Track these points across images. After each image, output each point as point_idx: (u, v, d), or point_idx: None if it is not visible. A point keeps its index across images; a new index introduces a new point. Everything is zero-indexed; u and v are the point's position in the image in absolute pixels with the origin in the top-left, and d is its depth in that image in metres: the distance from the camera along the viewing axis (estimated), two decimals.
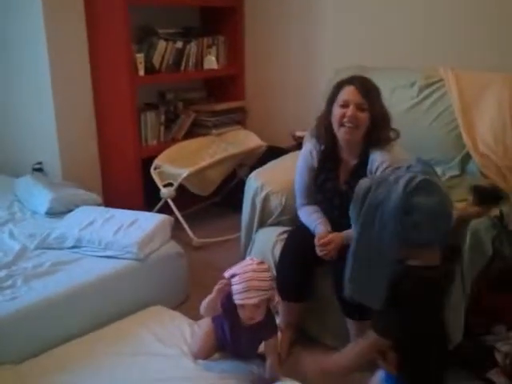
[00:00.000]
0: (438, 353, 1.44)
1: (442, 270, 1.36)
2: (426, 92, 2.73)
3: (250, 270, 1.77)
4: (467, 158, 2.60)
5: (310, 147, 2.32)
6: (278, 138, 3.71)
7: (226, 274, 1.82)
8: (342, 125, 2.14)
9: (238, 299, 1.78)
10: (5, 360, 1.88)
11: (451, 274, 1.47)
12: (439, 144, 2.66)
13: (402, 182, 1.25)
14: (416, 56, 3.05)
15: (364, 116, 2.11)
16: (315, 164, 2.30)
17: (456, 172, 2.60)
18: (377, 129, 2.14)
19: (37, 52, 3.14)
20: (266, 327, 1.86)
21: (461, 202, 2.29)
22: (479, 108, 2.58)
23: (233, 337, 1.89)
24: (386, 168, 2.07)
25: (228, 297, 1.82)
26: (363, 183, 1.34)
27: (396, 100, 2.78)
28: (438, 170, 2.60)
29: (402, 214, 1.25)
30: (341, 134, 2.17)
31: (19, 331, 1.95)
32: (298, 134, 3.37)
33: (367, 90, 2.13)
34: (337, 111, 2.15)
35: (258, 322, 1.81)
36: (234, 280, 1.78)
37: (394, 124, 2.61)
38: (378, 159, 2.12)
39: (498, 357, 2.13)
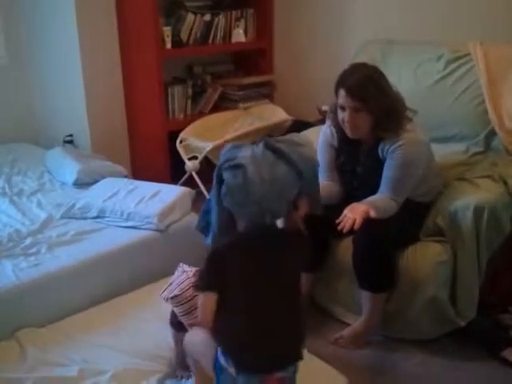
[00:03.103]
0: None
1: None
2: (453, 66, 2.66)
3: (189, 285, 1.62)
4: (492, 134, 2.53)
5: (329, 127, 2.31)
6: (306, 112, 3.69)
7: (164, 298, 1.66)
8: (344, 126, 2.14)
9: (185, 321, 1.65)
10: (28, 324, 1.98)
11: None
12: (464, 119, 2.60)
13: (222, 158, 1.41)
14: (444, 30, 2.97)
15: (362, 116, 2.07)
16: (335, 143, 2.29)
17: (480, 148, 2.55)
18: (383, 121, 2.08)
19: (66, 26, 3.20)
20: None
21: (484, 179, 2.28)
22: (506, 83, 2.51)
23: None
24: (397, 146, 2.06)
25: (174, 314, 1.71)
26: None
27: (422, 74, 2.74)
28: (462, 145, 2.57)
29: (218, 184, 1.43)
30: (346, 132, 2.17)
31: (42, 296, 2.04)
32: (324, 107, 3.34)
33: (361, 90, 2.04)
34: (338, 112, 2.14)
35: None
36: (174, 301, 1.65)
37: (419, 98, 2.59)
38: (387, 146, 2.10)
39: None
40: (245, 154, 1.38)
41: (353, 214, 1.93)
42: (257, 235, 1.42)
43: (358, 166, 2.25)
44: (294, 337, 1.47)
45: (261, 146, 1.40)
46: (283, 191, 1.36)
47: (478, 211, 2.06)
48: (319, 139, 2.35)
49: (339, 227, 1.93)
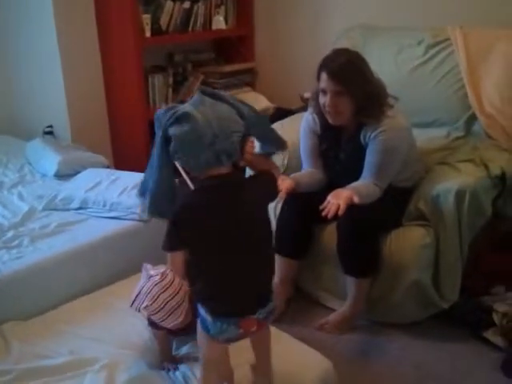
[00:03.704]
0: None
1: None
2: (433, 51, 2.67)
3: (158, 292, 1.50)
4: (473, 118, 2.55)
5: (311, 115, 2.30)
6: (288, 100, 3.68)
7: (135, 309, 1.54)
8: (326, 111, 2.14)
9: (166, 325, 1.58)
10: (11, 317, 1.95)
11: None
12: (445, 104, 2.62)
13: (164, 120, 1.35)
14: (425, 15, 2.97)
15: (344, 100, 2.06)
16: (318, 129, 2.29)
17: (461, 133, 2.57)
18: (365, 107, 2.08)
19: (42, 15, 3.14)
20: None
21: (465, 163, 2.30)
22: (486, 67, 2.52)
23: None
24: (378, 133, 2.07)
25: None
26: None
27: (402, 59, 2.75)
28: (443, 130, 2.60)
29: (165, 144, 1.36)
30: (328, 118, 2.16)
31: (25, 289, 2.02)
32: (306, 95, 3.33)
33: (343, 74, 2.04)
34: (320, 97, 2.13)
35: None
36: (147, 311, 1.55)
37: (400, 84, 2.60)
38: (369, 132, 2.11)
39: (495, 317, 2.16)
40: (184, 105, 1.36)
41: (336, 200, 1.93)
42: (216, 186, 1.38)
43: (340, 152, 2.25)
44: (267, 278, 1.49)
45: (198, 93, 1.38)
46: (230, 127, 1.33)
47: (460, 195, 2.09)
48: (301, 126, 2.35)
49: (323, 213, 1.93)
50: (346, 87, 2.04)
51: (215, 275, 1.41)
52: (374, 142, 2.09)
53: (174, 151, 1.35)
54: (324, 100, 2.10)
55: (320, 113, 2.20)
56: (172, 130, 1.33)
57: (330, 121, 2.16)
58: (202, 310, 1.44)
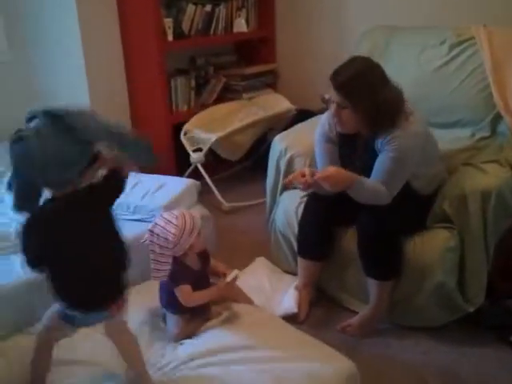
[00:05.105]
0: None
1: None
2: (457, 50, 2.63)
3: (174, 230, 1.80)
4: (498, 118, 2.50)
5: (327, 119, 2.24)
6: (309, 101, 3.67)
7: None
8: (332, 119, 2.13)
9: (187, 244, 1.83)
10: (36, 319, 1.98)
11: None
12: (469, 104, 2.58)
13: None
14: (447, 14, 2.94)
15: (347, 112, 2.02)
16: (334, 137, 2.24)
17: (486, 133, 2.52)
18: (374, 118, 2.02)
19: (67, 21, 3.18)
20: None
21: (491, 163, 2.26)
22: (511, 66, 2.48)
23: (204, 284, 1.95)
24: (391, 139, 2.02)
25: (174, 261, 1.86)
26: None
27: (425, 59, 2.71)
28: (468, 130, 2.56)
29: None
30: (337, 128, 2.14)
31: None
32: (327, 96, 3.31)
33: (348, 88, 1.99)
34: (330, 106, 2.10)
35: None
36: (173, 250, 1.83)
37: (423, 84, 2.58)
38: (381, 140, 2.05)
39: None
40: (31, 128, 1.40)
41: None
42: (62, 201, 1.45)
43: (356, 159, 2.20)
44: (121, 267, 1.61)
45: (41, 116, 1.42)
46: (63, 162, 1.38)
47: (485, 196, 2.05)
48: (316, 132, 2.31)
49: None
50: (349, 101, 2.00)
51: (77, 275, 1.50)
52: (385, 149, 2.04)
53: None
54: (331, 109, 2.09)
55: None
56: (11, 148, 1.39)
57: (337, 129, 2.14)
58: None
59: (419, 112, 2.10)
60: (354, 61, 2.08)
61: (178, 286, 1.86)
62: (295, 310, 2.26)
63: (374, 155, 2.10)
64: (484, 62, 2.54)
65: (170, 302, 1.93)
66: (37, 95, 3.62)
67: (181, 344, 1.87)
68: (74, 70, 3.30)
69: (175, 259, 1.87)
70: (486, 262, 2.11)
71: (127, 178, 1.61)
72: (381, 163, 2.06)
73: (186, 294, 1.86)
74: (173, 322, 1.92)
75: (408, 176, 2.09)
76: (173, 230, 1.81)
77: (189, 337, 1.89)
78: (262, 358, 1.73)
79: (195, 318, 1.93)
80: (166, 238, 1.81)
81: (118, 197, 1.60)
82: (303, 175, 2.09)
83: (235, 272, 1.94)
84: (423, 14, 3.07)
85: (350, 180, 2.03)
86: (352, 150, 2.21)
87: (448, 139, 2.42)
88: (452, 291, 2.10)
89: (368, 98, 2.00)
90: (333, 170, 2.05)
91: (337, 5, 3.56)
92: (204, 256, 1.97)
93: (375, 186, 2.05)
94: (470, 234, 2.09)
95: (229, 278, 1.92)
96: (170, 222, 1.82)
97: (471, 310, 2.12)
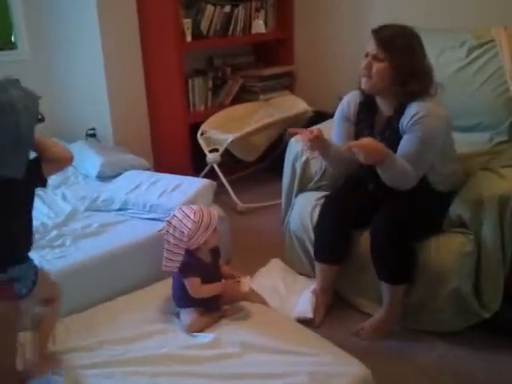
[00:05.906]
0: None
1: None
2: (476, 53, 2.61)
3: (190, 225, 1.85)
4: None
5: (348, 98, 2.28)
6: (326, 103, 3.66)
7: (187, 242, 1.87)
8: (361, 75, 2.10)
9: (201, 239, 1.88)
10: None
11: None
12: (488, 108, 2.55)
13: None
14: (467, 16, 2.91)
15: (380, 66, 2.01)
16: (351, 116, 2.25)
17: (505, 137, 2.50)
18: (408, 81, 2.01)
19: (87, 22, 3.23)
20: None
21: (509, 168, 2.24)
22: None
23: (213, 278, 1.97)
24: (418, 119, 1.99)
25: (186, 253, 1.90)
26: None
27: (444, 61, 2.68)
28: (486, 134, 2.54)
29: None
30: (361, 84, 2.12)
31: (67, 287, 2.05)
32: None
33: (388, 40, 2.00)
34: (362, 62, 2.09)
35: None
36: (187, 244, 1.88)
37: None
38: (411, 112, 2.02)
39: None
40: None
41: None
42: None
43: (374, 136, 2.14)
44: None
45: None
46: None
47: (503, 202, 2.03)
48: (336, 113, 2.34)
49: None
50: (388, 54, 1.99)
51: None
52: (413, 129, 2.01)
53: None
54: (363, 63, 2.07)
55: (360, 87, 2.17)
56: None
57: (362, 86, 2.12)
58: None
59: (439, 96, 2.10)
60: (398, 24, 2.10)
61: (188, 278, 1.90)
62: (310, 315, 2.25)
63: (394, 135, 2.08)
64: (504, 65, 2.52)
65: (182, 296, 1.95)
66: (57, 94, 3.67)
67: (193, 336, 1.88)
68: (93, 69, 3.34)
69: (187, 251, 1.91)
70: (502, 267, 2.08)
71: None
72: (408, 143, 2.03)
73: (195, 287, 1.90)
74: (186, 314, 1.94)
75: (433, 159, 2.08)
76: (189, 225, 1.85)
77: (202, 330, 1.90)
78: (274, 360, 1.73)
79: (208, 313, 1.94)
80: (182, 232, 1.85)
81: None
82: (311, 132, 2.08)
83: (248, 279, 1.97)
84: (443, 16, 3.04)
85: (385, 153, 1.97)
86: (368, 128, 2.20)
87: (466, 143, 2.40)
88: (468, 297, 2.08)
89: (407, 58, 2.01)
90: (370, 140, 2.00)
91: (355, 6, 3.55)
92: (215, 252, 2.00)
93: (404, 165, 2.01)
94: (487, 239, 2.07)
95: (246, 287, 1.94)
96: (188, 216, 1.87)
97: (487, 315, 2.10)
